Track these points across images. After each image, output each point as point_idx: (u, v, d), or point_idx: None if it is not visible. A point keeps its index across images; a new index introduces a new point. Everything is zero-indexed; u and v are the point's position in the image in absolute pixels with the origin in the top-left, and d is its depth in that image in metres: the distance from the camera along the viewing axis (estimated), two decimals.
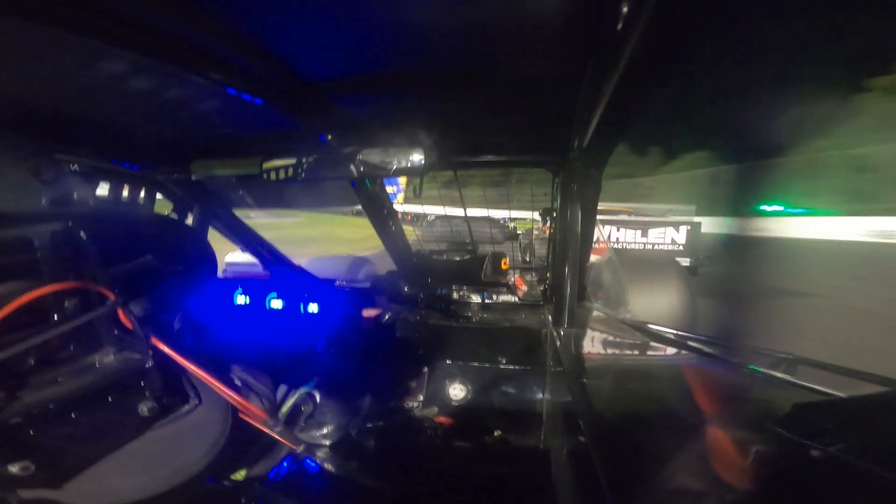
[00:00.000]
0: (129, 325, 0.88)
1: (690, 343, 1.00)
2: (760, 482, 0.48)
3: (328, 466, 1.18)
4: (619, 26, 0.53)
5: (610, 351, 1.20)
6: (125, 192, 1.36)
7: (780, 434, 0.52)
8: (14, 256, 0.74)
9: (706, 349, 0.95)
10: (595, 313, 1.39)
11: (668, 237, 5.73)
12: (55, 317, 0.79)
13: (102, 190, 1.30)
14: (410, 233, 1.88)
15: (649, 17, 0.49)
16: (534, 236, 5.14)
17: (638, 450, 0.61)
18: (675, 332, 1.13)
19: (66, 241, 0.81)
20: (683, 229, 5.70)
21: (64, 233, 0.81)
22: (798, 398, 0.66)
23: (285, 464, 1.13)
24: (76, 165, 1.20)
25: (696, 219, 6.01)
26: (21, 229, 0.74)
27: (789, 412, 0.51)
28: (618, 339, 1.22)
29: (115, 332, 0.87)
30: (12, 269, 0.73)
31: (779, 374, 0.76)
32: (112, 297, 0.86)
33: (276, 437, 1.18)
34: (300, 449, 1.21)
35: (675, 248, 5.66)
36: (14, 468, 0.66)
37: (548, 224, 1.76)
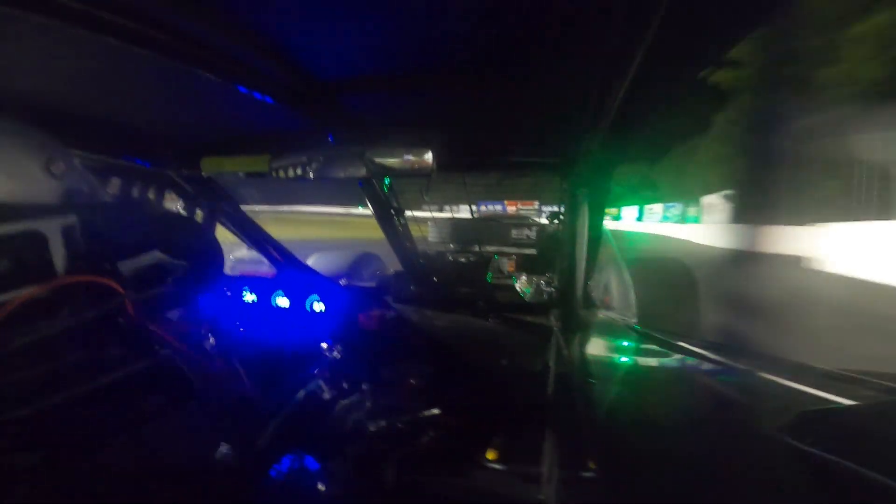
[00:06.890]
0: (136, 319, 0.89)
1: (696, 349, 0.99)
2: (765, 490, 0.48)
3: (330, 465, 1.19)
4: (630, 30, 0.53)
5: (616, 356, 1.19)
6: (135, 188, 1.37)
7: (785, 441, 0.52)
8: (25, 250, 0.75)
9: (712, 355, 0.94)
10: (601, 318, 1.39)
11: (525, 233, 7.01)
12: (64, 310, 0.79)
13: (113, 186, 1.32)
14: (418, 233, 1.88)
15: (659, 23, 0.49)
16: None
17: (643, 455, 0.60)
18: (681, 337, 1.12)
19: (77, 235, 0.82)
20: (535, 228, 7.08)
21: (74, 227, 0.82)
22: (804, 405, 0.66)
23: (286, 462, 1.13)
24: (88, 161, 1.22)
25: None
26: (32, 223, 0.75)
27: (795, 419, 0.51)
28: (624, 344, 1.21)
29: (123, 325, 0.88)
30: (23, 262, 0.74)
31: (785, 381, 0.75)
32: (121, 291, 0.87)
33: (278, 434, 1.18)
34: (302, 448, 1.22)
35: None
36: (17, 461, 0.66)
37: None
